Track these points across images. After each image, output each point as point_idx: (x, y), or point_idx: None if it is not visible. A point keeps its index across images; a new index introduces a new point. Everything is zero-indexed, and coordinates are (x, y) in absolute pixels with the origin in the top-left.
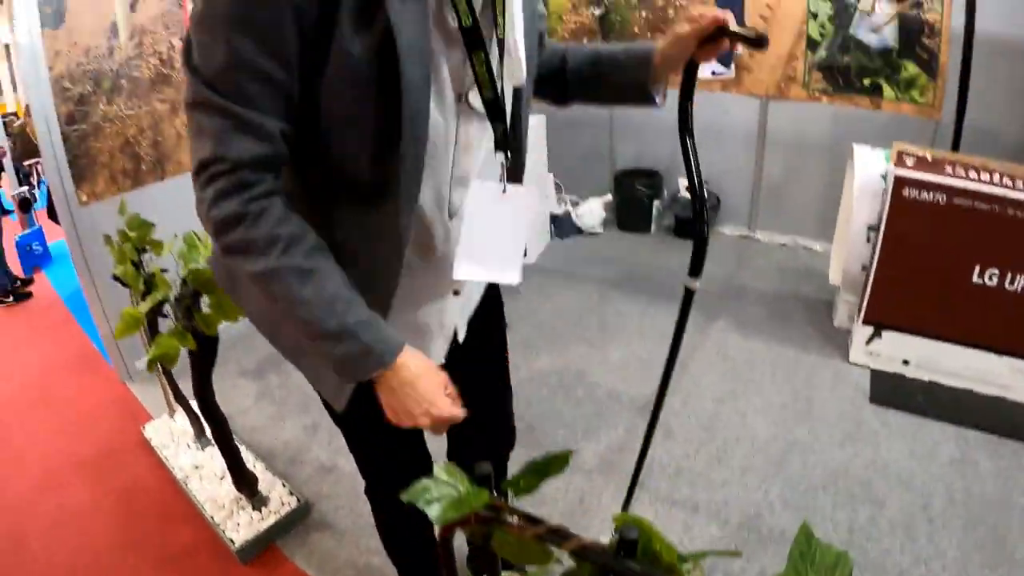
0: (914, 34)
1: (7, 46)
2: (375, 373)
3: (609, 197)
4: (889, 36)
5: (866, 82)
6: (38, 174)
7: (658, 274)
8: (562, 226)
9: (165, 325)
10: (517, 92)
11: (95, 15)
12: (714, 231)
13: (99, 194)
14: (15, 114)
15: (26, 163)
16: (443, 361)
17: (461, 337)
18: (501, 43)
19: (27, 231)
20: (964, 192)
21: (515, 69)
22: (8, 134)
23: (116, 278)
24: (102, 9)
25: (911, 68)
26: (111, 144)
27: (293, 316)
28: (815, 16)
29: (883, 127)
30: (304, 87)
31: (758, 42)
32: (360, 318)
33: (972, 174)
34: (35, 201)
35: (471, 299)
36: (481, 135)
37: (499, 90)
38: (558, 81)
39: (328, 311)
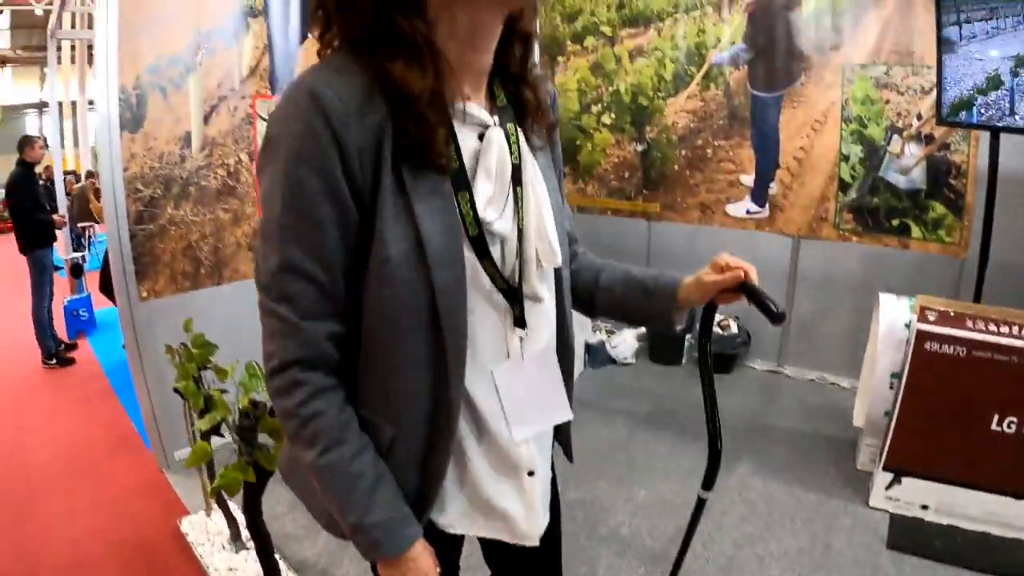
0: (941, 175)
1: (73, 103)
2: (379, 560)
3: (642, 329)
4: (917, 177)
5: (895, 223)
6: (90, 237)
7: (686, 409)
8: (596, 356)
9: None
10: (558, 273)
11: (171, 124)
12: (743, 365)
13: (159, 291)
14: (74, 172)
15: (79, 225)
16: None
17: (543, 522)
18: (521, 233)
19: (76, 296)
20: (984, 345)
21: (547, 253)
22: (67, 193)
23: (176, 391)
24: (178, 119)
25: (938, 208)
26: (174, 246)
27: (324, 497)
28: (847, 159)
29: (911, 266)
30: (349, 288)
31: (774, 316)
32: (376, 519)
33: (992, 327)
34: (85, 263)
35: (547, 481)
36: (538, 317)
37: (514, 279)
38: (590, 296)
39: (350, 507)
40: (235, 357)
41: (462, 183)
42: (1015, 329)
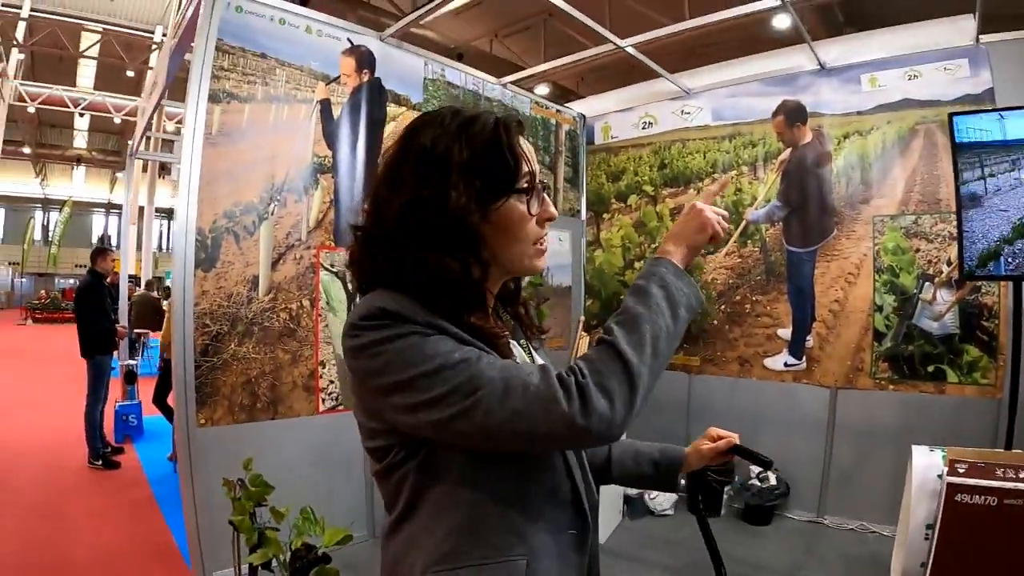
0: (974, 318)
1: (141, 209)
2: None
3: (682, 481)
4: (950, 322)
5: (930, 368)
6: (144, 344)
7: (729, 565)
8: (634, 507)
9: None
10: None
11: (241, 267)
12: (782, 517)
13: (216, 420)
14: (136, 277)
15: (135, 331)
16: None
17: None
18: None
19: (127, 401)
20: (1015, 493)
21: None
22: (128, 298)
23: (231, 523)
24: (248, 263)
25: (972, 351)
26: (234, 380)
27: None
28: (880, 308)
29: (948, 410)
30: None
31: (766, 463)
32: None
33: (1022, 475)
34: (138, 369)
35: None
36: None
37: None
38: (604, 467)
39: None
40: (287, 495)
41: None
42: None
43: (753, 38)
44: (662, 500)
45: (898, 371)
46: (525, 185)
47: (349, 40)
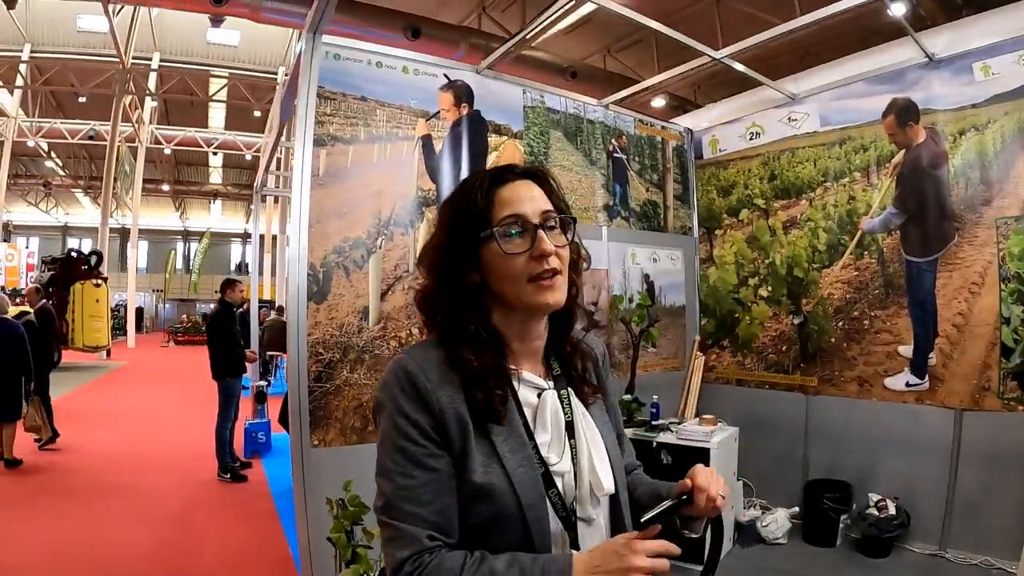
0: None
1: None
2: None
3: (796, 509)
4: None
5: None
6: (276, 366)
7: None
8: (746, 535)
9: None
10: (614, 499)
11: (352, 299)
12: (901, 549)
13: (328, 442)
14: (271, 303)
15: (268, 353)
16: None
17: None
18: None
19: (256, 420)
20: None
21: (598, 486)
22: (260, 323)
23: (329, 539)
24: (358, 295)
25: None
26: (346, 404)
27: None
28: (1007, 321)
29: None
30: (450, 505)
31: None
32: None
33: None
34: (268, 389)
35: None
36: (592, 536)
37: (573, 506)
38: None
39: None
40: None
41: (528, 432)
42: None
43: (857, 34)
44: (774, 528)
45: None
46: (493, 229)
47: (445, 76)
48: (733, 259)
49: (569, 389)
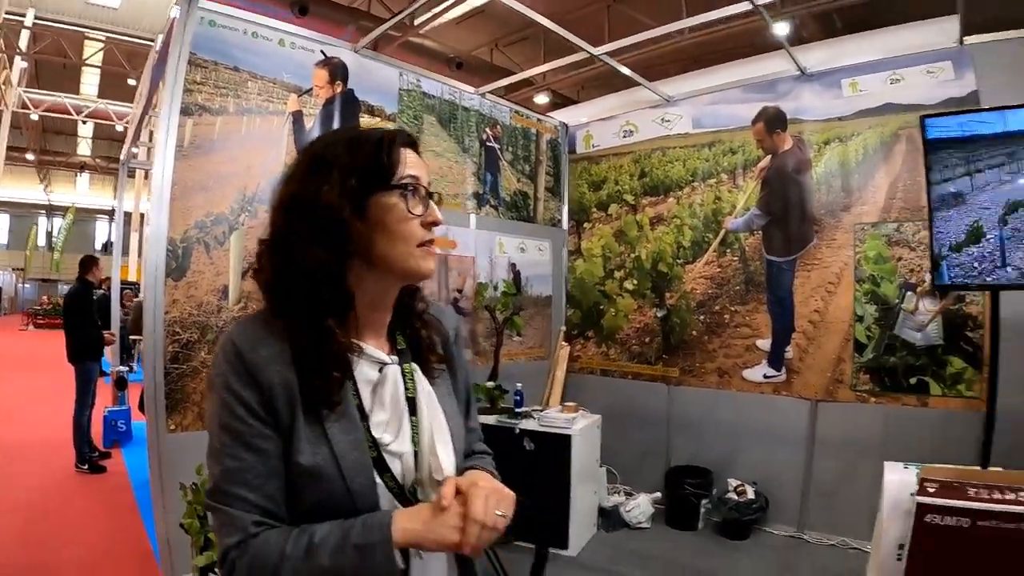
0: (958, 328)
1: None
2: (395, 547)
3: (659, 494)
4: (933, 333)
5: (912, 381)
6: (140, 351)
7: None
8: (610, 519)
9: None
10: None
11: (211, 276)
12: (762, 531)
13: (185, 426)
14: (135, 284)
15: (132, 338)
16: None
17: None
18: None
19: (116, 407)
20: (988, 514)
21: (438, 468)
22: (123, 305)
23: (182, 526)
24: (218, 273)
25: (957, 363)
26: (204, 387)
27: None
28: (861, 319)
29: (932, 424)
30: (279, 487)
31: None
32: (359, 540)
33: (996, 495)
34: (130, 375)
35: None
36: None
37: (413, 489)
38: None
39: (343, 557)
40: None
41: (362, 413)
42: (1021, 495)
43: (738, 44)
44: (637, 513)
45: (879, 383)
46: (402, 183)
47: (322, 52)
48: (600, 252)
49: (414, 364)
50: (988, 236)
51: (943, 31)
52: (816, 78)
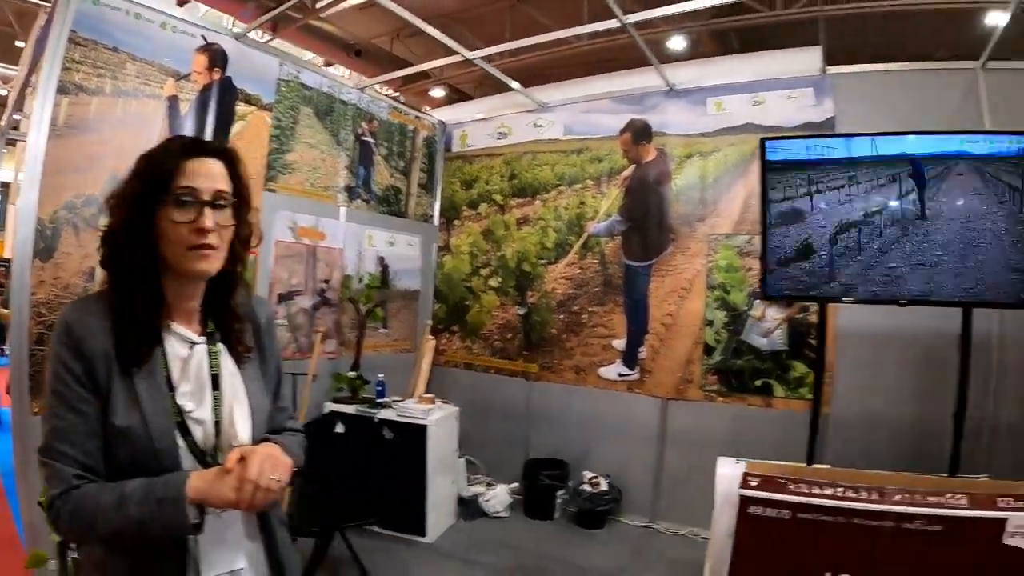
0: (801, 336)
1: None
2: (189, 506)
3: (515, 484)
4: (778, 339)
5: (758, 383)
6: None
7: (550, 564)
8: (469, 508)
9: None
10: None
11: (79, 258)
12: (616, 522)
13: None
14: (8, 261)
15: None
16: None
17: None
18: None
19: None
20: (807, 507)
21: (233, 437)
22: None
23: (40, 504)
24: (86, 255)
25: (799, 367)
26: None
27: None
28: (711, 324)
29: (776, 423)
30: (98, 445)
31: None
32: (159, 494)
33: (816, 489)
34: (2, 356)
35: None
36: None
37: (214, 454)
38: None
39: (147, 512)
40: None
41: (169, 384)
42: (839, 490)
43: (621, 57)
44: (495, 503)
45: (727, 384)
46: (175, 193)
47: (203, 37)
48: (468, 249)
49: (222, 346)
50: (820, 252)
51: (808, 59)
52: (683, 95)
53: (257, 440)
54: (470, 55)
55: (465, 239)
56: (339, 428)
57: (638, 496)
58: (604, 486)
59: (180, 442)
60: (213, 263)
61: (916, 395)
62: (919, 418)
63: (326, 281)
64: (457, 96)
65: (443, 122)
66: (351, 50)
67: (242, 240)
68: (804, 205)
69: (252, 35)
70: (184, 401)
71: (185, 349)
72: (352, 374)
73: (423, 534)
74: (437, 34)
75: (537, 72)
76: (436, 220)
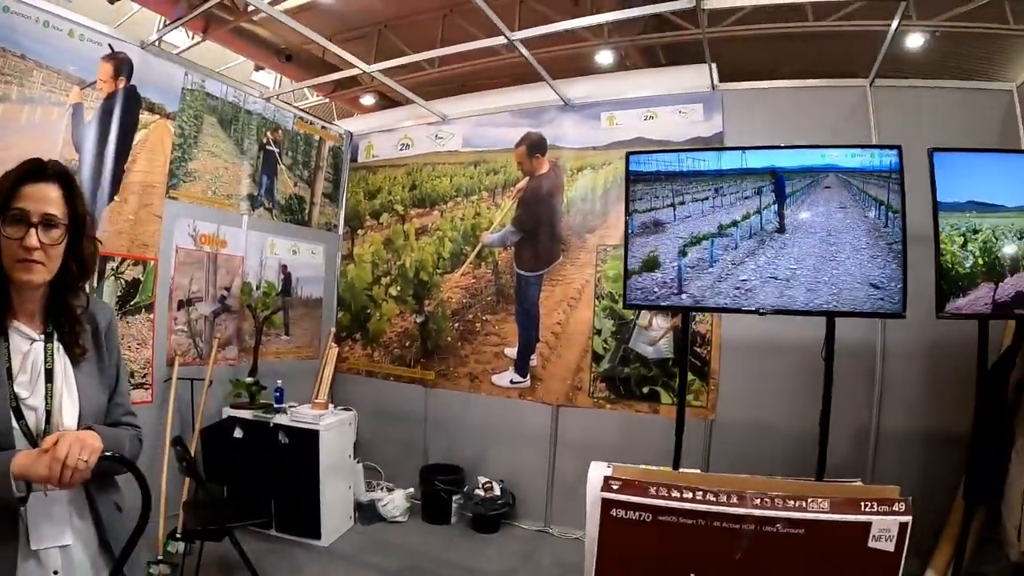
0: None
1: None
2: (15, 480)
3: (411, 490)
4: (665, 347)
5: (645, 390)
6: None
7: (441, 567)
8: (366, 513)
9: None
10: None
11: None
12: (511, 526)
13: None
14: None
15: None
16: None
17: None
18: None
19: None
20: (667, 510)
21: (60, 426)
22: None
23: None
24: None
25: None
26: None
27: None
28: (599, 332)
29: (664, 429)
30: None
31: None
32: None
33: (675, 493)
34: None
35: None
36: None
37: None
38: None
39: None
40: None
41: (9, 374)
42: (698, 494)
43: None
44: (392, 508)
45: (615, 391)
46: (8, 214)
47: (110, 46)
48: (370, 258)
49: (58, 345)
50: (672, 264)
51: (700, 76)
52: (579, 109)
53: (85, 428)
54: (368, 68)
55: (367, 248)
56: (237, 433)
57: (531, 501)
58: (497, 491)
59: (15, 425)
60: (36, 275)
61: (795, 402)
62: (799, 424)
63: (227, 288)
64: (389, 103)
65: (350, 132)
66: (282, 55)
67: (80, 257)
68: (667, 216)
69: (182, 38)
70: (20, 389)
71: (26, 344)
72: (250, 380)
73: (318, 537)
74: (334, 48)
75: (468, 82)
76: (341, 229)
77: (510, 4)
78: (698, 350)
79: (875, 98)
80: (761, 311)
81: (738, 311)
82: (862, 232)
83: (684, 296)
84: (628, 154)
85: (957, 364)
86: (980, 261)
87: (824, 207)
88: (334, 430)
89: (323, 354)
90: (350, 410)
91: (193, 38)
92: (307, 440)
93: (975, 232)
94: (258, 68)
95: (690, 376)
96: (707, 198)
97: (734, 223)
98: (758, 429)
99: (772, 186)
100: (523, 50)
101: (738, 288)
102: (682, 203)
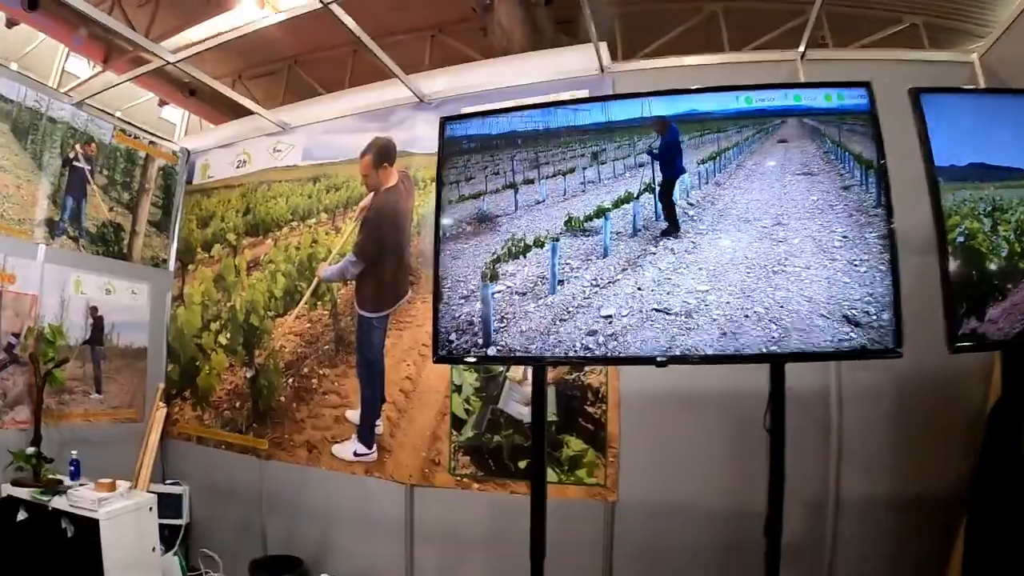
0: (576, 402)
1: None
2: None
3: None
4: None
5: (521, 464)
6: None
7: None
8: None
9: None
10: None
11: None
12: None
13: None
14: None
15: None
16: None
17: None
18: None
19: None
20: None
21: None
22: None
23: None
24: None
25: (575, 444)
26: None
27: None
28: (459, 389)
29: (550, 516)
30: None
31: None
32: None
33: None
34: None
35: None
36: None
37: None
38: None
39: None
40: None
41: None
42: None
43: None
44: None
45: (483, 467)
46: None
47: None
48: (200, 299)
49: None
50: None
51: (587, 57)
52: (436, 106)
53: None
54: (172, 58)
55: (198, 287)
56: (21, 515)
57: None
58: None
59: None
60: None
61: (725, 471)
62: (730, 501)
63: (15, 335)
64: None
65: (187, 149)
66: (185, 89)
67: None
68: (504, 204)
69: (84, 68)
70: None
71: None
72: (30, 450)
73: None
74: (226, 91)
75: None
76: (172, 265)
77: (422, 38)
78: (589, 410)
79: (808, 72)
80: (659, 360)
81: (604, 361)
82: (841, 218)
83: (492, 349)
84: (442, 119)
85: (933, 408)
86: (1019, 248)
87: (775, 175)
88: (123, 518)
89: (151, 416)
90: (179, 484)
91: (93, 68)
92: (94, 531)
93: (1002, 211)
94: (162, 103)
95: (581, 445)
96: (576, 168)
97: (601, 211)
98: (674, 510)
99: (652, 148)
100: (371, 44)
101: (593, 333)
102: (531, 181)
